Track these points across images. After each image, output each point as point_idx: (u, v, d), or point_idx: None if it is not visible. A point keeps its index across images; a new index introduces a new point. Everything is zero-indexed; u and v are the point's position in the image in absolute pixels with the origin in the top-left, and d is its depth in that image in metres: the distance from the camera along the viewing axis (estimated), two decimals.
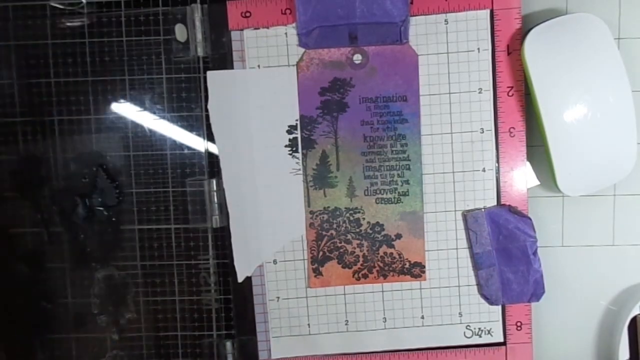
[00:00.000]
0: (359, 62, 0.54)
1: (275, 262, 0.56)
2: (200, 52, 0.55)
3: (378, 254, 0.55)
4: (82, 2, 0.56)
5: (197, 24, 0.54)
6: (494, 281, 0.55)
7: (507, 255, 0.54)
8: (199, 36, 0.55)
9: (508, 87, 0.54)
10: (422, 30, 0.54)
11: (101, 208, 0.57)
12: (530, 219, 0.54)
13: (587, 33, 0.52)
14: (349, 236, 0.55)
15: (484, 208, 0.55)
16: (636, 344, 0.56)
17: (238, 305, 0.56)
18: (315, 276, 0.56)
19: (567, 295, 0.57)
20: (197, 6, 0.54)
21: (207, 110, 0.55)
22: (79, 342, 0.58)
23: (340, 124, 0.55)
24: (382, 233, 0.55)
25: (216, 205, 0.56)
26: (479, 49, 0.54)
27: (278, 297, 0.56)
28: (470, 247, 0.55)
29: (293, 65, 0.55)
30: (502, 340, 0.56)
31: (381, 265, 0.56)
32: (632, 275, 0.57)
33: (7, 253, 0.57)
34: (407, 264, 0.55)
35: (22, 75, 0.56)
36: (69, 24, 0.56)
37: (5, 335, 0.57)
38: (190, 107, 0.56)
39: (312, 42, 0.54)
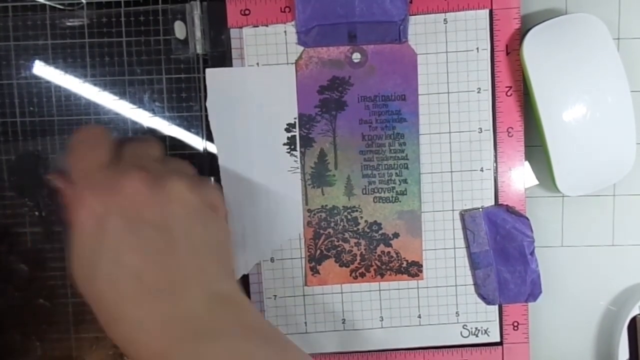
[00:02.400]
0: (357, 60, 0.54)
1: (272, 260, 0.56)
2: (199, 49, 0.55)
3: (375, 252, 0.55)
4: (82, 2, 0.56)
5: (197, 21, 0.55)
6: (491, 281, 0.55)
7: (504, 255, 0.54)
8: (198, 34, 0.55)
9: (507, 87, 0.54)
10: (421, 30, 0.54)
11: None
12: (527, 219, 0.54)
13: (586, 33, 0.52)
14: (346, 235, 0.55)
15: (481, 208, 0.55)
16: (636, 344, 0.56)
17: None
18: (312, 275, 0.56)
19: (566, 295, 0.57)
20: (196, 4, 0.55)
21: (206, 108, 0.55)
22: (79, 340, 0.58)
23: (339, 122, 0.55)
24: (380, 232, 0.55)
25: None
26: (477, 48, 0.54)
27: (275, 296, 0.56)
28: (468, 247, 0.55)
29: (292, 64, 0.55)
30: (498, 340, 0.56)
31: (378, 264, 0.56)
32: (632, 276, 0.57)
33: (6, 251, 0.57)
34: (405, 263, 0.55)
35: (21, 75, 0.56)
36: (68, 23, 0.56)
37: (4, 333, 0.57)
38: (190, 106, 0.56)
39: (311, 41, 0.54)
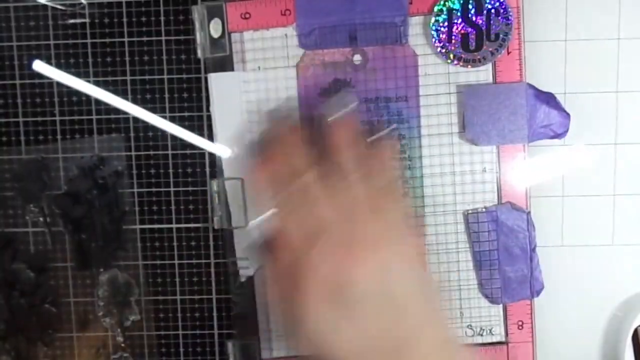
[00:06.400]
0: (358, 62, 0.54)
1: None
2: (200, 54, 0.54)
3: None
4: (82, 3, 0.56)
5: (197, 25, 0.54)
6: (495, 280, 0.55)
7: (507, 253, 0.55)
8: (199, 38, 0.54)
9: None
10: (421, 31, 0.54)
11: (103, 209, 0.57)
12: (529, 216, 0.54)
13: None
14: None
15: (484, 207, 0.55)
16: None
17: (239, 305, 0.56)
18: None
19: (567, 294, 0.57)
20: (197, 7, 0.54)
21: (208, 111, 0.55)
22: (84, 345, 0.58)
23: None
24: None
25: (218, 205, 0.56)
26: None
27: None
28: (471, 247, 0.55)
29: (293, 67, 0.55)
30: (503, 339, 0.56)
31: None
32: (632, 276, 0.57)
33: (11, 257, 0.57)
34: None
35: (23, 75, 0.57)
36: (70, 25, 0.56)
37: (11, 338, 0.57)
38: (191, 106, 0.56)
39: (312, 43, 0.54)
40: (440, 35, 0.53)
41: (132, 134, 0.57)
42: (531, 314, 0.55)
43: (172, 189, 0.57)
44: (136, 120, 0.57)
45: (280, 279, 0.47)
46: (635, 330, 0.56)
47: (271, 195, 0.48)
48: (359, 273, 0.43)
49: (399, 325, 0.44)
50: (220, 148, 0.55)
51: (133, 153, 0.57)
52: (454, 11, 0.53)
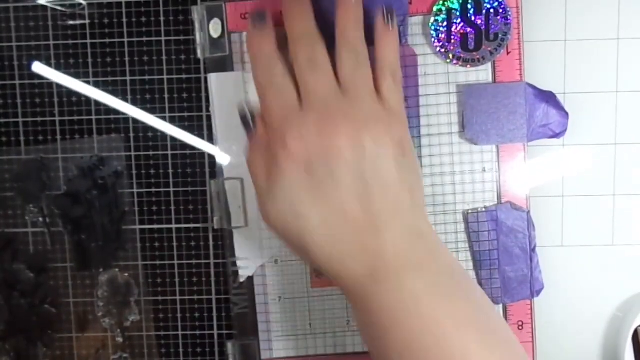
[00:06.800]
0: None
1: (276, 262, 0.56)
2: (199, 54, 0.54)
3: None
4: (82, 4, 0.56)
5: (197, 25, 0.54)
6: (495, 280, 0.55)
7: (507, 254, 0.55)
8: (199, 38, 0.54)
9: None
10: (420, 30, 0.54)
11: (103, 209, 0.57)
12: (529, 216, 0.54)
13: None
14: None
15: (484, 207, 0.55)
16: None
17: (239, 305, 0.56)
18: (316, 276, 0.56)
19: (567, 294, 0.57)
20: (197, 8, 0.54)
21: (208, 111, 0.55)
22: (84, 345, 0.58)
23: None
24: None
25: (217, 206, 0.56)
26: None
27: (280, 297, 0.56)
28: (471, 247, 0.55)
29: None
30: None
31: None
32: (631, 276, 0.57)
33: (11, 258, 0.57)
34: None
35: (23, 76, 0.57)
36: (70, 26, 0.56)
37: (11, 339, 0.57)
38: (191, 106, 0.56)
39: None
40: (440, 35, 0.53)
41: (131, 135, 0.57)
42: (531, 314, 0.55)
43: (171, 189, 0.57)
44: (136, 120, 0.57)
45: (260, 147, 0.47)
46: (635, 331, 0.56)
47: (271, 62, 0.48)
48: (335, 146, 0.44)
49: (367, 207, 0.44)
50: (220, 154, 0.55)
51: (133, 153, 0.57)
52: (453, 11, 0.53)
